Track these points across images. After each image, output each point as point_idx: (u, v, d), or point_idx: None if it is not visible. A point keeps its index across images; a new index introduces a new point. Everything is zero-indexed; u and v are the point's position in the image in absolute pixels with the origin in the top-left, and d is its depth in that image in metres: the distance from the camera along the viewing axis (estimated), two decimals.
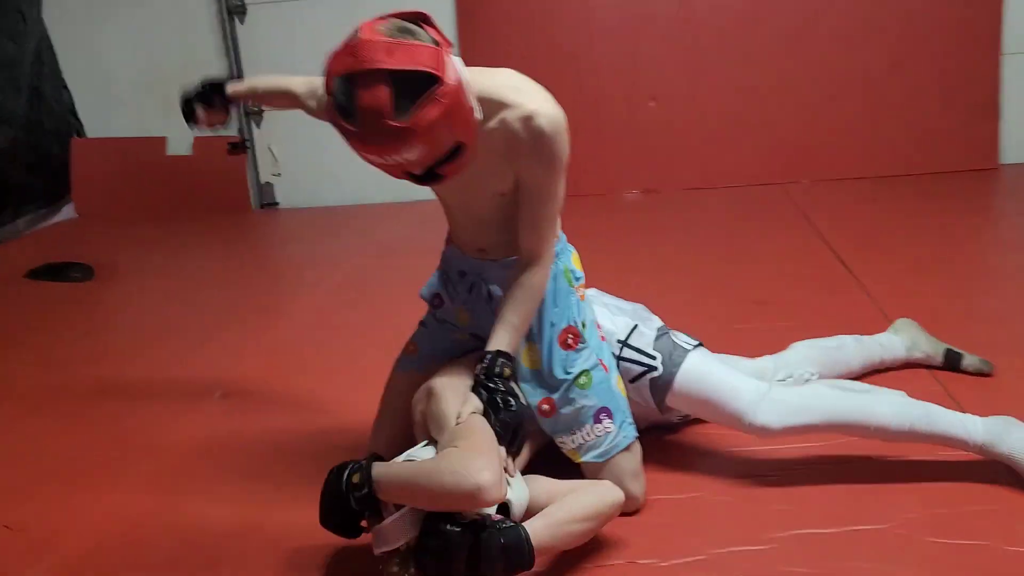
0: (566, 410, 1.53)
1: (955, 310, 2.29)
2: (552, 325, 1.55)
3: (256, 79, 1.87)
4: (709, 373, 1.59)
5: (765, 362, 1.88)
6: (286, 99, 1.72)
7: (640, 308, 1.73)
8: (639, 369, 1.62)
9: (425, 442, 1.44)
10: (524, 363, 1.56)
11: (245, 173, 4.31)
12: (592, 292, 1.73)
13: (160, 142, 4.28)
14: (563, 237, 1.61)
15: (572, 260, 1.62)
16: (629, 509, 1.51)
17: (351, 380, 2.20)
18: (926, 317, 2.08)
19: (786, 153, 3.91)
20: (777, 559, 1.41)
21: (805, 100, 3.88)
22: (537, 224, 1.45)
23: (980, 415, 1.54)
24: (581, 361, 1.53)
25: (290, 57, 4.12)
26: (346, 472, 1.36)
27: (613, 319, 1.66)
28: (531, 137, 1.36)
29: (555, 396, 1.54)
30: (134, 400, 2.27)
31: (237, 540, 1.60)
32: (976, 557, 1.37)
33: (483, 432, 1.37)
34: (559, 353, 1.54)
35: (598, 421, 1.52)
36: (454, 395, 1.44)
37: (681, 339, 1.64)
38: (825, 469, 1.62)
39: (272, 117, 4.26)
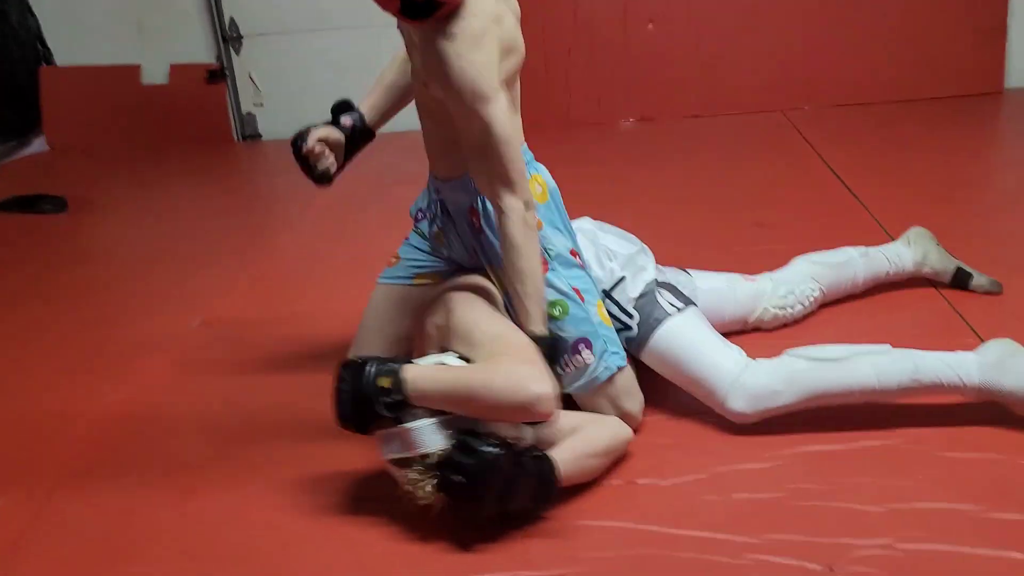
0: None
1: (961, 231, 2.21)
2: None
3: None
4: (685, 342, 1.48)
5: (763, 282, 1.80)
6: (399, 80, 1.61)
7: (639, 253, 1.61)
8: (616, 325, 1.52)
9: (452, 353, 1.33)
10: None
11: (225, 103, 4.14)
12: (590, 225, 1.64)
13: (134, 70, 4.10)
14: (530, 154, 1.51)
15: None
16: (628, 426, 1.45)
17: (336, 310, 2.11)
18: None
19: (789, 79, 3.76)
20: (782, 476, 1.35)
21: (809, 24, 3.73)
22: (481, 158, 1.33)
23: (989, 336, 1.47)
24: (550, 291, 1.45)
25: None
26: (369, 372, 1.23)
27: (602, 264, 1.56)
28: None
29: None
30: (108, 329, 2.19)
31: (213, 464, 1.54)
32: (988, 470, 1.33)
33: (529, 345, 1.30)
34: None
35: (576, 352, 1.45)
36: (475, 307, 1.37)
37: (666, 299, 1.53)
38: None
39: (252, 43, 4.06)
